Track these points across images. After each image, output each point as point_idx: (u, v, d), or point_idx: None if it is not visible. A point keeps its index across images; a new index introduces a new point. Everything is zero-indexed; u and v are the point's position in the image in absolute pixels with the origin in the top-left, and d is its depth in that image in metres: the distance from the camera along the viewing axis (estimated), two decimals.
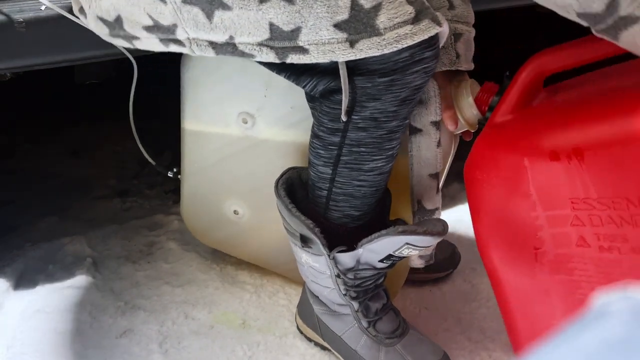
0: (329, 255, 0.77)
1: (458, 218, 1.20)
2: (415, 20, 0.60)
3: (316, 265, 0.80)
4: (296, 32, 0.60)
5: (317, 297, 0.89)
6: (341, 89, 0.66)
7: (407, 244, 0.73)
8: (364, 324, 0.85)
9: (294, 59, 0.62)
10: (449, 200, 1.26)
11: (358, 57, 0.60)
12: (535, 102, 0.71)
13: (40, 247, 1.16)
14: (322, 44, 0.60)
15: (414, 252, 0.76)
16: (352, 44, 0.59)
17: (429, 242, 0.74)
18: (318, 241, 0.75)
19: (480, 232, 0.76)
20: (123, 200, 1.32)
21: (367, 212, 0.79)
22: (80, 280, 1.07)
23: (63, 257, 1.14)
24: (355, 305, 0.84)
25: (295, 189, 0.82)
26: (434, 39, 0.64)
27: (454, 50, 0.79)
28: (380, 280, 0.84)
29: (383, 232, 0.73)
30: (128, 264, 1.12)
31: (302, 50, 0.61)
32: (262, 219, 0.98)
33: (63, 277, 1.08)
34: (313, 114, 0.75)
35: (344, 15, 0.58)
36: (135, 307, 1.02)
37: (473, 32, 0.82)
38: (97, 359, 0.92)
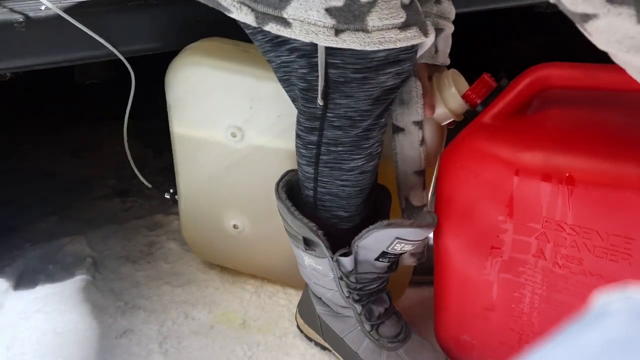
0: (331, 258, 0.77)
1: None
2: (404, 26, 0.61)
3: (319, 268, 0.80)
4: (285, 2, 0.59)
5: (320, 298, 0.88)
6: (314, 83, 0.66)
7: (398, 238, 0.73)
8: (367, 327, 0.84)
9: (272, 28, 0.61)
10: None
11: (339, 46, 0.60)
12: (530, 110, 0.71)
13: (40, 247, 1.16)
14: (308, 24, 0.59)
15: (408, 247, 0.76)
16: (337, 32, 0.59)
17: (419, 234, 0.75)
18: (321, 244, 0.75)
19: (441, 214, 0.77)
20: (123, 200, 1.32)
21: (356, 213, 0.79)
22: (80, 280, 1.07)
23: (63, 257, 1.13)
24: (358, 308, 0.84)
25: (296, 191, 0.82)
26: (415, 45, 0.65)
27: (434, 45, 0.79)
28: (384, 285, 0.84)
29: (371, 227, 0.73)
30: (128, 264, 1.12)
31: (285, 22, 0.60)
32: (262, 231, 0.98)
33: (63, 277, 1.08)
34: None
35: (338, 2, 0.58)
36: (135, 307, 1.02)
37: (452, 28, 0.82)
38: (97, 359, 0.93)
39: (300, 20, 0.59)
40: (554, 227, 0.66)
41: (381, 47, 0.60)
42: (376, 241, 0.74)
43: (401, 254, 0.79)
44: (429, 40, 0.65)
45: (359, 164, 0.73)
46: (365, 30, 0.59)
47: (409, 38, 0.61)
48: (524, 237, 0.69)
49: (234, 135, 0.89)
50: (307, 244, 0.77)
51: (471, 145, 0.72)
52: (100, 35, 0.81)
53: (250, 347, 0.93)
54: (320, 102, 0.67)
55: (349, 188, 0.75)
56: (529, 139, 0.67)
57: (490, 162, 0.69)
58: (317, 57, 0.64)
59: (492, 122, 0.71)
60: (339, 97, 0.67)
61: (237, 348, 0.93)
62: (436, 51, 0.80)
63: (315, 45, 0.63)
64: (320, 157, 0.73)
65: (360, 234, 0.74)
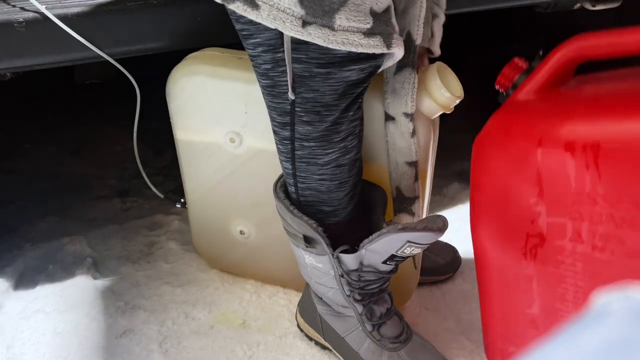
0: (332, 255, 0.77)
1: (458, 218, 1.20)
2: (369, 33, 0.61)
3: (320, 266, 0.80)
4: None
5: (321, 297, 0.88)
6: (277, 79, 0.66)
7: (409, 242, 0.73)
8: (368, 327, 0.84)
9: (239, 8, 0.59)
10: (449, 201, 1.26)
11: (303, 38, 0.59)
12: (563, 87, 0.68)
13: (40, 247, 1.16)
14: (277, 9, 0.58)
15: (417, 250, 0.75)
16: (304, 24, 0.58)
17: (430, 238, 0.74)
18: (322, 240, 0.75)
19: (476, 207, 0.74)
20: (123, 200, 1.32)
21: (340, 207, 0.78)
22: (80, 280, 1.07)
23: (63, 257, 1.14)
24: (359, 308, 0.83)
25: None
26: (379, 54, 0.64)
27: (430, 28, 0.79)
28: (385, 285, 0.84)
29: (383, 230, 0.73)
30: (128, 264, 1.12)
31: (253, 3, 0.59)
32: (268, 235, 0.98)
33: (63, 277, 1.08)
34: None
35: None
36: (135, 307, 1.02)
37: (444, 18, 0.82)
38: (97, 359, 0.93)
39: (269, 4, 0.58)
40: (586, 201, 0.62)
41: (343, 48, 0.60)
42: (387, 245, 0.74)
43: (409, 256, 0.78)
44: (397, 54, 0.65)
45: (333, 157, 0.72)
46: (331, 28, 0.58)
47: (370, 46, 0.61)
48: (558, 218, 0.64)
49: (232, 140, 0.90)
50: (308, 241, 0.77)
51: (500, 124, 0.69)
52: (92, 38, 0.80)
53: (250, 347, 0.93)
54: (291, 95, 0.67)
55: (327, 182, 0.75)
56: (552, 109, 0.65)
57: (515, 137, 0.66)
58: (281, 51, 0.64)
59: (523, 98, 0.68)
60: (305, 91, 0.66)
61: (237, 348, 0.93)
62: (432, 35, 0.80)
63: (280, 39, 0.63)
64: (295, 152, 0.73)
65: (371, 238, 0.74)
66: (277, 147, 0.75)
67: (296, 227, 0.77)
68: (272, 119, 0.73)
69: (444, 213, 1.22)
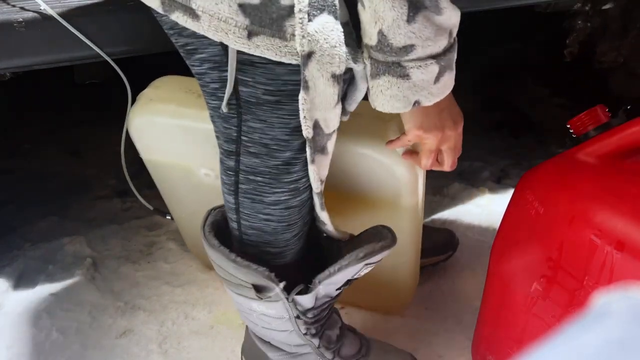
0: (287, 299, 0.69)
1: (459, 217, 1.20)
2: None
3: (271, 312, 0.71)
4: None
5: (269, 342, 0.80)
6: (234, 97, 0.59)
7: (367, 264, 0.68)
8: (329, 356, 0.79)
9: (180, 18, 0.53)
10: (449, 201, 1.26)
11: (251, 51, 0.52)
12: (629, 162, 0.63)
13: (40, 247, 1.16)
14: (217, 19, 0.51)
15: (372, 267, 0.71)
16: (250, 35, 0.51)
17: (385, 255, 0.69)
18: (276, 287, 0.66)
19: (501, 235, 0.74)
20: (123, 200, 1.32)
21: (288, 248, 0.70)
22: (80, 280, 1.07)
23: (63, 257, 1.14)
24: (316, 342, 0.77)
25: (227, 230, 0.72)
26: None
27: None
28: (333, 304, 0.77)
29: (343, 263, 0.66)
30: (128, 264, 1.12)
31: (193, 14, 0.52)
32: None
33: (63, 277, 1.08)
34: None
35: None
36: (135, 307, 1.02)
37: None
38: (97, 359, 0.93)
39: (209, 14, 0.51)
40: (593, 289, 0.60)
41: (299, 60, 0.52)
42: (346, 274, 0.68)
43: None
44: (357, 70, 0.55)
45: (282, 198, 0.64)
46: (283, 38, 0.51)
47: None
48: (563, 287, 0.64)
49: (208, 175, 0.88)
50: (259, 290, 0.68)
51: (549, 173, 0.67)
52: (92, 37, 0.80)
53: None
54: (224, 108, 0.59)
55: (274, 223, 0.67)
56: (598, 189, 0.60)
57: (554, 199, 0.64)
58: (227, 69, 0.56)
59: (583, 158, 0.65)
60: (252, 119, 0.59)
61: (237, 348, 0.93)
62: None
63: (225, 56, 0.56)
64: (240, 185, 0.65)
65: (329, 272, 0.67)
66: (221, 177, 0.67)
67: (242, 277, 0.67)
68: (219, 146, 0.65)
69: (444, 213, 1.22)
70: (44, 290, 1.05)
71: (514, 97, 1.64)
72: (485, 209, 1.22)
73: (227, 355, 0.92)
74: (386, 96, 0.55)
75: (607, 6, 1.10)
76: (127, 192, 1.35)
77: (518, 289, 0.70)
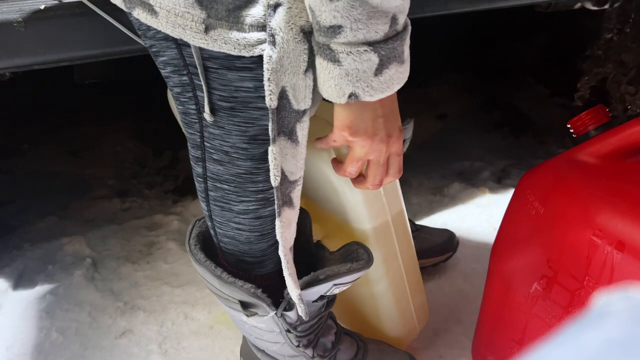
0: (276, 314, 0.68)
1: (459, 217, 1.20)
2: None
3: (262, 326, 0.71)
4: None
5: (264, 350, 0.79)
6: (187, 105, 0.57)
7: (335, 285, 0.67)
8: None
9: (140, 15, 0.51)
10: (449, 200, 1.26)
11: (209, 47, 0.50)
12: (629, 161, 0.63)
13: (39, 247, 1.16)
14: (174, 14, 0.49)
15: (345, 287, 0.69)
16: (207, 29, 0.49)
17: (356, 277, 0.68)
18: (263, 304, 0.65)
19: (501, 235, 0.74)
20: (122, 200, 1.32)
21: (266, 259, 0.68)
22: (79, 280, 1.07)
23: (62, 257, 1.14)
24: (310, 352, 0.75)
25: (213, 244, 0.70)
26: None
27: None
28: (325, 315, 0.76)
29: (309, 281, 0.66)
30: (127, 264, 1.12)
31: (152, 10, 0.50)
32: None
33: (63, 277, 1.08)
34: None
35: None
36: (134, 308, 1.02)
37: None
38: (97, 359, 0.92)
39: (167, 10, 0.49)
40: (593, 289, 0.60)
41: (256, 52, 0.49)
42: (313, 292, 0.67)
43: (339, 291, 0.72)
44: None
45: (251, 207, 0.62)
46: (241, 30, 0.48)
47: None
48: (564, 287, 0.64)
49: None
50: (245, 306, 0.67)
51: (549, 175, 0.67)
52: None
53: None
54: (208, 117, 0.56)
55: (246, 233, 0.64)
56: (598, 189, 0.60)
57: (554, 201, 0.65)
58: (185, 74, 0.55)
59: (582, 157, 0.65)
60: (212, 125, 0.57)
61: (236, 348, 0.93)
62: None
63: (181, 59, 0.54)
64: (209, 192, 0.63)
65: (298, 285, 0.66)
66: (195, 184, 0.66)
67: (229, 293, 0.66)
68: (190, 153, 0.63)
69: (444, 213, 1.22)
70: (43, 290, 1.05)
71: (514, 97, 1.64)
72: (486, 209, 1.22)
73: (226, 355, 0.92)
74: (321, 79, 0.51)
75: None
76: (127, 192, 1.35)
77: (518, 289, 0.70)
